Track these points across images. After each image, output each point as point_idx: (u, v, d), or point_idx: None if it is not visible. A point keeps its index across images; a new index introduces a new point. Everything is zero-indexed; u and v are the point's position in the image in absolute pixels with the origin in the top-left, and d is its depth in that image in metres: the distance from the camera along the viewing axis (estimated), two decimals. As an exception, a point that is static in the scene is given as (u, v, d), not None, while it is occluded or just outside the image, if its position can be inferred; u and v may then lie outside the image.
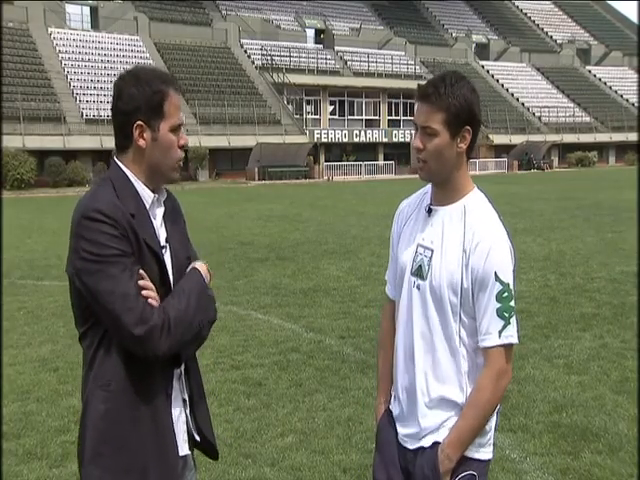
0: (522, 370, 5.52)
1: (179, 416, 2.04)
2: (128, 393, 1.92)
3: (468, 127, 1.99)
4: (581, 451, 4.11)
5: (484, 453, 2.08)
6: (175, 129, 1.99)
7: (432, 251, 2.04)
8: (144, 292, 1.88)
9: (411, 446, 2.10)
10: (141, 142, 1.96)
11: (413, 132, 2.09)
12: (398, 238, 2.20)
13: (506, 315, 1.97)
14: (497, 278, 1.95)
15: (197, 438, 2.10)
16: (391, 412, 2.22)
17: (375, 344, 5.95)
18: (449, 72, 2.02)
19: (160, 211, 2.05)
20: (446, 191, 2.06)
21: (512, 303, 1.99)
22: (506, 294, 1.96)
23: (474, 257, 1.96)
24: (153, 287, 1.92)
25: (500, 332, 1.97)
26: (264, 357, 6.16)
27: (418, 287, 2.06)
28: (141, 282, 1.89)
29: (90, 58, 42.14)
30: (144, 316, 1.84)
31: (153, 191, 2.01)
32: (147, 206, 1.99)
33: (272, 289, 9.14)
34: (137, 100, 1.94)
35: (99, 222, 1.85)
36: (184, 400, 2.07)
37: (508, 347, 1.99)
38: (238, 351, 6.33)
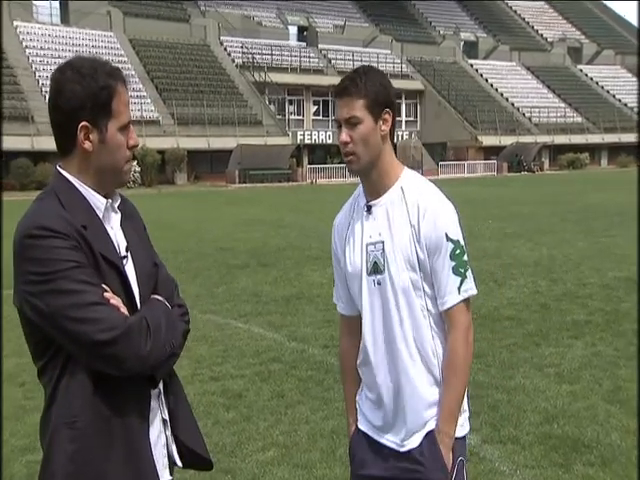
0: (512, 379, 5.53)
1: (157, 440, 1.90)
2: (98, 428, 1.76)
3: (388, 109, 2.09)
4: (573, 463, 4.09)
5: (463, 429, 2.16)
6: (124, 128, 1.85)
7: (382, 242, 2.10)
8: (112, 301, 1.75)
9: (404, 448, 2.13)
10: (87, 145, 1.81)
11: (337, 132, 2.18)
12: (343, 251, 2.23)
13: (461, 270, 2.07)
14: (448, 238, 2.05)
15: (179, 463, 1.99)
16: (360, 430, 2.26)
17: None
18: (360, 67, 2.14)
19: (116, 218, 1.92)
20: (378, 180, 2.13)
21: (465, 257, 2.09)
22: (458, 251, 2.06)
23: (423, 226, 2.05)
24: (119, 299, 1.79)
25: (459, 288, 2.06)
26: (244, 368, 6.10)
27: (379, 283, 2.11)
28: (107, 294, 1.76)
29: (60, 54, 40.56)
30: (115, 323, 1.71)
31: (105, 196, 1.88)
32: (100, 215, 1.86)
33: (253, 297, 9.02)
34: (81, 98, 1.78)
35: (45, 238, 1.71)
36: (164, 420, 1.94)
37: (467, 301, 2.10)
38: (217, 362, 6.28)
